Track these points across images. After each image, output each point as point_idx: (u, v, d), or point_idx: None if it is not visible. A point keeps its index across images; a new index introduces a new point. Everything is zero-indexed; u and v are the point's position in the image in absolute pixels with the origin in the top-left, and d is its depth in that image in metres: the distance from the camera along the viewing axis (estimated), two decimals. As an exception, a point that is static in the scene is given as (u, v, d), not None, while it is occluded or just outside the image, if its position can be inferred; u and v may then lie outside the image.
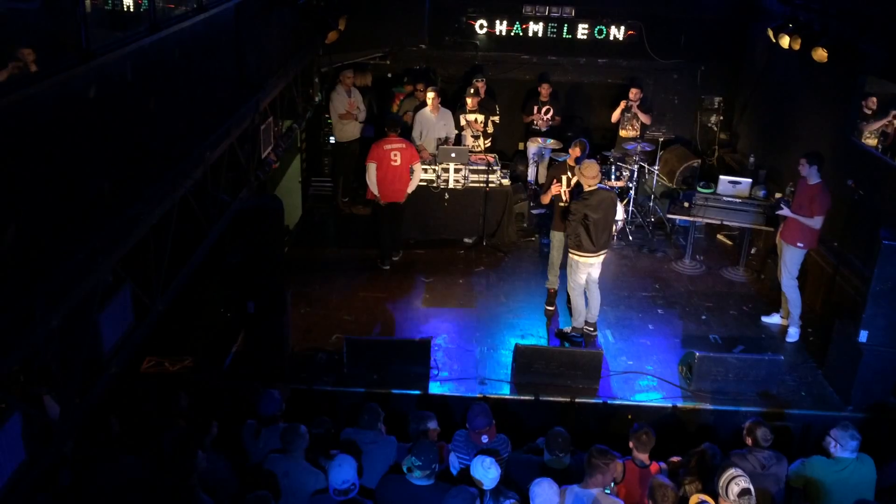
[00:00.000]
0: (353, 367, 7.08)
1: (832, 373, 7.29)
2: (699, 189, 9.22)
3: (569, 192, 7.93)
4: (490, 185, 9.66)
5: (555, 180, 8.11)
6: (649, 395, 7.10)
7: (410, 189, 9.21)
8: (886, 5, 7.54)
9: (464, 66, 11.75)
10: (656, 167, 10.58)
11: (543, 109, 11.17)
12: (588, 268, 7.60)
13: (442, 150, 9.67)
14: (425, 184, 9.62)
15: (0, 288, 3.20)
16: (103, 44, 4.08)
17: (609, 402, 6.95)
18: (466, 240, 9.97)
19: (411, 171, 9.12)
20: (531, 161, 11.32)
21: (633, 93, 10.82)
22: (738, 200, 9.01)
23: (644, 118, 10.73)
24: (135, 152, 4.53)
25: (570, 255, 7.65)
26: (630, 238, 10.21)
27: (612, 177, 10.23)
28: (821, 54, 7.99)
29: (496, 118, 10.91)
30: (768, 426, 5.39)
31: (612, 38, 11.58)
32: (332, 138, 10.89)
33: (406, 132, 9.88)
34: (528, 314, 8.38)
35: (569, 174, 8.00)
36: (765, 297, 8.81)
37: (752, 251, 9.67)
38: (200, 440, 5.04)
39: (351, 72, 10.40)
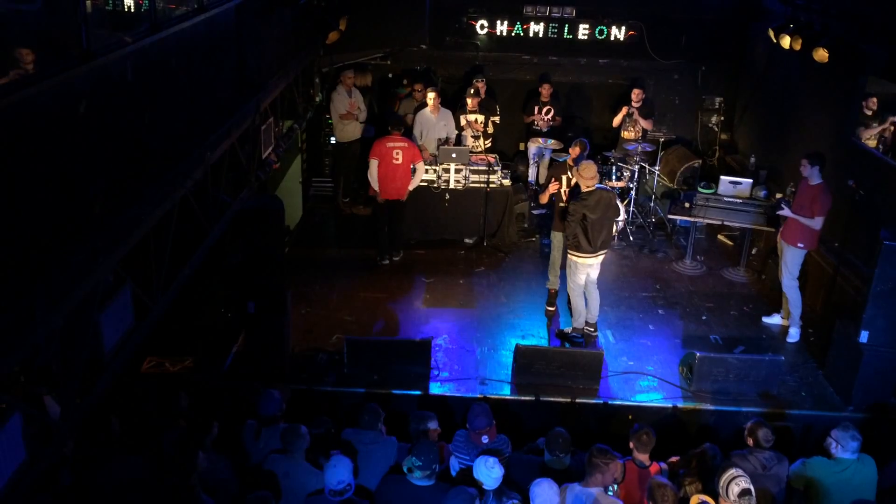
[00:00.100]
0: (354, 368, 7.08)
1: (833, 373, 7.29)
2: (700, 189, 9.22)
3: (567, 192, 7.93)
4: (491, 185, 9.66)
5: (553, 179, 8.12)
6: (650, 395, 7.10)
7: (412, 186, 9.22)
8: (887, 6, 7.54)
9: (464, 66, 11.74)
10: (657, 167, 10.57)
11: (544, 110, 11.17)
12: (587, 268, 7.60)
13: (442, 151, 9.68)
14: (426, 184, 9.63)
15: (0, 288, 3.20)
16: (104, 44, 4.09)
17: (609, 402, 6.95)
18: (467, 240, 9.97)
19: (413, 171, 9.14)
20: (532, 161, 11.32)
21: (636, 93, 10.81)
22: (738, 201, 9.00)
23: (645, 124, 10.70)
24: (135, 152, 4.53)
25: (568, 256, 7.65)
26: (631, 238, 10.21)
27: (613, 177, 10.23)
28: (821, 55, 7.99)
29: (496, 118, 10.91)
30: (770, 427, 5.39)
31: (612, 38, 11.57)
32: (332, 139, 10.89)
33: (407, 133, 9.88)
34: (529, 314, 8.38)
35: (569, 174, 8.01)
36: (765, 298, 8.81)
37: (753, 252, 9.66)
38: (201, 440, 5.04)
39: (352, 72, 10.40)
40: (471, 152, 9.99)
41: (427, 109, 10.12)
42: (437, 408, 6.31)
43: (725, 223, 9.40)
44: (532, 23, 11.50)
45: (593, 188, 7.37)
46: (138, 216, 4.19)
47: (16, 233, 3.38)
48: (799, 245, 7.76)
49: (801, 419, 6.90)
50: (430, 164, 9.69)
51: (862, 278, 7.44)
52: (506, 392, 7.02)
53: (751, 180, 9.13)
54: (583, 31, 11.52)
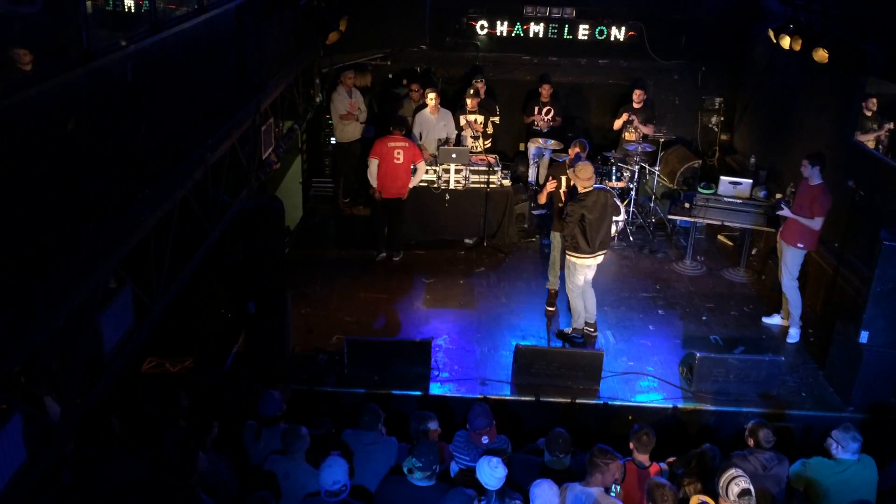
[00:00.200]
0: (354, 368, 7.08)
1: (833, 374, 7.29)
2: (700, 190, 9.22)
3: (566, 192, 7.92)
4: (491, 185, 9.66)
5: (550, 177, 8.12)
6: (650, 395, 7.10)
7: (413, 184, 9.25)
8: (887, 6, 7.54)
9: (464, 66, 11.75)
10: (657, 168, 10.58)
11: (544, 110, 11.17)
12: (586, 269, 7.59)
13: (442, 151, 9.68)
14: (426, 184, 9.64)
15: (1, 288, 3.20)
16: (104, 45, 4.09)
17: (610, 402, 6.95)
18: (467, 240, 9.97)
19: (414, 170, 9.16)
20: (532, 162, 11.33)
21: (637, 94, 10.81)
22: (738, 201, 9.00)
23: (646, 130, 10.69)
24: (136, 153, 4.53)
25: (567, 257, 7.63)
26: (631, 239, 10.21)
27: (613, 177, 10.23)
28: (821, 55, 7.99)
29: (496, 119, 10.92)
30: (771, 428, 5.39)
31: (612, 38, 11.57)
32: (332, 139, 10.90)
33: (407, 133, 9.88)
34: (529, 315, 8.38)
35: (569, 174, 8.00)
36: (765, 298, 8.81)
37: (753, 252, 9.66)
38: (201, 441, 5.05)
39: (352, 72, 10.41)
40: (470, 153, 9.99)
41: (427, 110, 10.13)
42: (438, 408, 6.31)
43: (725, 223, 9.40)
44: (532, 23, 11.50)
45: (591, 188, 7.37)
46: (139, 216, 4.19)
47: (16, 233, 3.38)
48: (799, 245, 7.76)
49: (801, 419, 6.90)
50: (430, 165, 9.69)
51: (862, 279, 7.44)
52: (506, 392, 7.02)
53: (751, 181, 9.13)
54: (583, 31, 11.52)
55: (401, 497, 4.77)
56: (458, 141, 10.38)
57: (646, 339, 8.02)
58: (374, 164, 9.05)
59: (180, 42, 5.09)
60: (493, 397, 6.86)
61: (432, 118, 10.12)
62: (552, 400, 6.92)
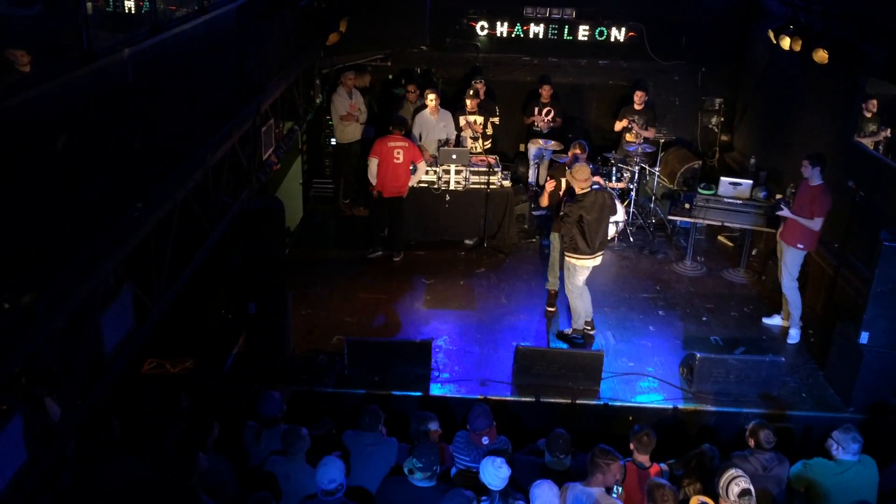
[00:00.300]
0: (354, 369, 7.08)
1: (833, 374, 7.29)
2: (700, 190, 9.22)
3: (565, 193, 7.91)
4: (491, 186, 9.66)
5: (549, 178, 8.12)
6: (650, 396, 7.10)
7: (413, 182, 9.27)
8: (887, 6, 7.54)
9: (465, 67, 11.76)
10: (657, 168, 10.58)
11: (544, 111, 11.18)
12: (585, 270, 7.59)
13: (443, 152, 9.69)
14: (426, 185, 9.65)
15: (1, 289, 3.20)
16: (104, 46, 4.09)
17: (610, 403, 6.95)
18: (467, 241, 9.97)
19: (414, 169, 9.18)
20: (532, 163, 11.33)
21: (638, 96, 10.82)
22: (738, 202, 9.01)
23: (648, 134, 10.69)
24: (136, 154, 4.53)
25: (566, 258, 7.63)
26: (631, 239, 10.21)
27: (614, 178, 10.24)
28: (821, 56, 7.99)
29: (496, 119, 10.92)
30: (771, 428, 5.39)
31: (612, 39, 11.57)
32: (333, 140, 10.90)
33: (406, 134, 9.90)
34: (529, 315, 8.38)
35: (566, 175, 8.00)
36: (766, 299, 8.81)
37: (753, 252, 9.66)
38: (201, 441, 5.05)
39: (352, 73, 10.42)
40: (470, 153, 10.00)
41: (427, 111, 10.14)
42: (438, 409, 6.31)
43: (725, 224, 9.40)
44: (532, 24, 11.50)
45: (588, 189, 7.38)
46: (139, 217, 4.19)
47: (17, 234, 3.38)
48: (798, 246, 7.76)
49: (802, 420, 6.90)
50: (430, 166, 9.70)
51: (862, 279, 7.44)
52: (506, 393, 7.02)
53: (751, 181, 9.13)
54: (583, 32, 11.52)
55: (401, 498, 4.77)
56: (458, 142, 10.38)
57: (646, 339, 8.02)
58: (373, 163, 9.08)
59: (181, 43, 5.09)
60: (493, 398, 6.86)
61: (432, 119, 10.13)
62: (552, 401, 6.92)
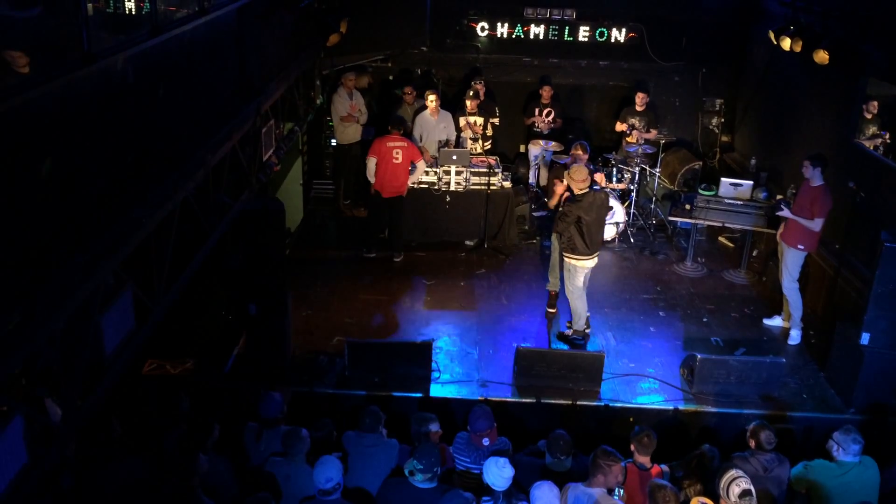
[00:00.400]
0: (355, 370, 7.07)
1: (834, 375, 7.29)
2: (700, 191, 9.21)
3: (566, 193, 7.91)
4: (491, 187, 9.66)
5: (556, 181, 8.12)
6: (651, 397, 7.09)
7: (412, 181, 9.29)
8: (887, 7, 7.54)
9: (465, 68, 11.77)
10: (658, 169, 10.58)
11: (545, 112, 11.17)
12: (585, 271, 7.60)
13: (443, 153, 9.69)
14: (426, 186, 9.65)
15: (2, 290, 3.20)
16: (105, 47, 4.09)
17: (610, 404, 6.94)
18: (468, 242, 9.97)
19: (413, 169, 9.19)
20: (532, 163, 11.33)
21: (640, 97, 10.81)
22: (739, 202, 9.00)
23: (649, 136, 10.68)
24: (137, 155, 4.53)
25: (565, 259, 7.63)
26: (632, 240, 10.20)
27: (614, 179, 10.23)
28: (822, 56, 7.99)
29: (496, 120, 10.92)
30: (772, 429, 5.39)
31: (613, 40, 11.57)
32: (333, 141, 10.90)
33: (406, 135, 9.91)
34: (530, 316, 8.37)
35: (564, 176, 8.00)
36: (766, 300, 8.81)
37: (754, 253, 9.66)
38: (202, 442, 5.04)
39: (353, 74, 10.42)
40: (470, 154, 10.00)
41: (427, 112, 10.13)
42: (438, 410, 6.29)
43: (726, 225, 9.39)
44: (532, 25, 11.50)
45: (587, 190, 7.39)
46: (139, 218, 4.19)
47: (17, 235, 3.38)
48: (799, 247, 7.76)
49: (803, 421, 6.89)
50: (430, 167, 9.71)
51: (863, 280, 7.44)
52: (507, 394, 7.02)
53: (751, 182, 9.13)
54: (583, 33, 11.52)
55: (402, 499, 4.77)
56: (459, 143, 10.38)
57: (647, 340, 8.02)
58: (371, 162, 9.11)
59: (181, 44, 5.09)
60: (493, 399, 6.85)
61: (432, 120, 10.12)
62: (553, 402, 6.92)
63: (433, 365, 7.21)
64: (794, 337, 7.98)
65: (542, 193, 10.99)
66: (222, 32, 6.04)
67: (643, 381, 7.30)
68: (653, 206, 10.73)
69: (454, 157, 9.63)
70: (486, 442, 5.28)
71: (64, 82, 3.67)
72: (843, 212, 7.96)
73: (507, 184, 9.86)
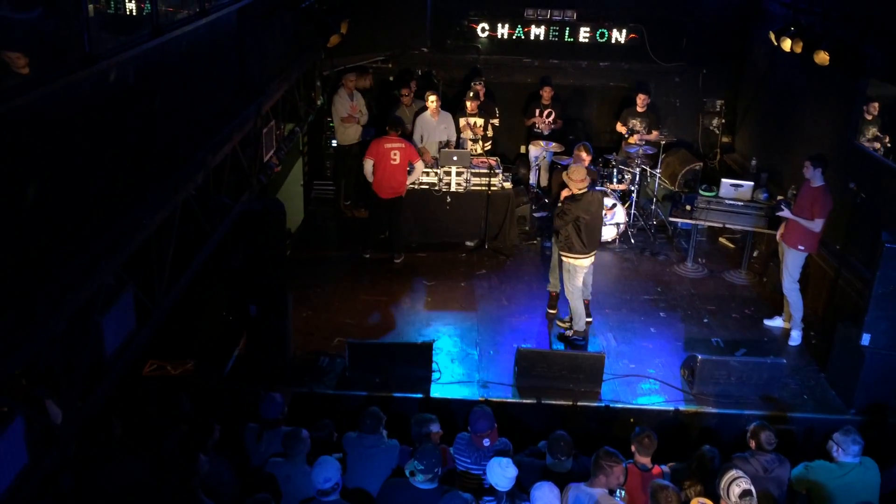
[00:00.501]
0: (355, 371, 7.08)
1: (835, 376, 7.28)
2: (701, 192, 9.21)
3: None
4: (492, 188, 9.66)
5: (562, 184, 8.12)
6: (651, 398, 7.09)
7: (410, 181, 9.29)
8: (888, 8, 7.54)
9: (465, 69, 11.78)
10: (658, 170, 10.58)
11: (545, 113, 11.18)
12: (583, 270, 7.61)
13: (444, 154, 9.69)
14: (427, 187, 9.65)
15: (2, 290, 3.20)
16: (106, 48, 4.09)
17: (611, 405, 6.94)
18: (468, 243, 9.97)
19: (411, 169, 9.19)
20: (533, 164, 11.33)
21: (641, 98, 10.81)
22: (740, 203, 9.00)
23: (650, 137, 10.67)
24: (137, 156, 4.53)
25: (563, 260, 7.64)
26: (632, 241, 10.20)
27: (615, 180, 10.23)
28: (822, 57, 7.99)
29: (495, 121, 10.92)
30: (772, 430, 5.39)
31: (613, 41, 11.59)
32: (334, 141, 10.90)
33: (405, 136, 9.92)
34: (530, 317, 8.38)
35: (562, 176, 8.00)
36: (767, 301, 8.80)
37: (755, 254, 9.66)
38: (202, 443, 5.05)
39: (353, 75, 10.42)
40: (471, 155, 10.00)
41: (427, 113, 10.14)
42: (439, 411, 6.29)
43: (727, 226, 9.39)
44: (533, 26, 11.52)
45: (585, 189, 7.40)
46: (140, 219, 4.19)
47: (18, 235, 3.38)
48: (800, 248, 7.76)
49: (803, 422, 6.89)
50: (431, 168, 9.71)
51: (864, 281, 7.44)
52: (507, 395, 7.02)
53: (752, 183, 9.12)
54: (584, 34, 11.53)
55: (402, 499, 4.78)
56: (459, 143, 10.38)
57: (647, 341, 8.02)
58: (368, 164, 9.13)
59: (182, 45, 5.09)
60: (494, 400, 6.86)
61: (433, 121, 10.13)
62: (554, 402, 6.92)
63: (434, 366, 7.21)
64: (795, 338, 7.98)
65: (542, 194, 10.99)
66: (223, 33, 6.04)
67: (644, 382, 7.30)
68: (653, 206, 10.72)
69: (455, 158, 9.63)
70: (486, 443, 5.28)
71: (64, 83, 3.67)
72: (843, 213, 7.96)
73: (508, 184, 9.86)
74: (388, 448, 5.33)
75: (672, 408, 6.96)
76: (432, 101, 10.01)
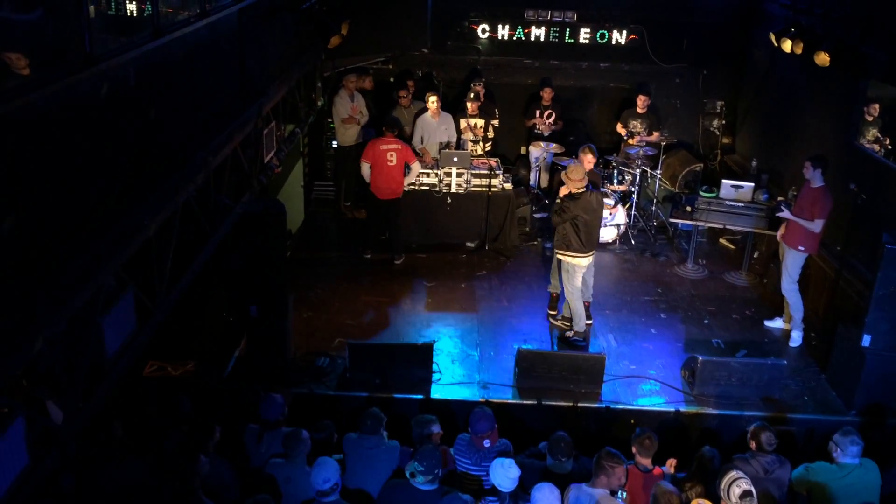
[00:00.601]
0: (356, 372, 7.08)
1: (835, 377, 7.28)
2: (701, 193, 9.21)
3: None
4: (492, 189, 9.66)
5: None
6: (652, 399, 7.09)
7: (408, 182, 9.29)
8: (888, 9, 7.54)
9: (466, 70, 11.78)
10: (659, 171, 10.58)
11: (546, 114, 11.18)
12: (581, 270, 7.63)
13: (444, 155, 9.70)
14: (427, 188, 9.65)
15: (3, 291, 3.20)
16: (107, 49, 4.10)
17: (612, 406, 6.94)
18: (469, 244, 9.97)
19: (407, 170, 9.19)
20: (533, 165, 11.33)
21: (641, 100, 10.81)
22: (740, 204, 9.00)
23: (651, 139, 10.67)
24: (138, 157, 4.54)
25: (562, 260, 7.64)
26: (633, 242, 10.20)
27: (615, 181, 10.23)
28: (823, 58, 8.00)
29: (495, 122, 10.92)
30: (773, 431, 5.39)
31: (614, 42, 11.59)
32: (334, 142, 10.91)
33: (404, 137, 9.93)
34: (531, 318, 8.37)
35: (561, 176, 8.01)
36: (767, 302, 8.80)
37: (755, 255, 9.66)
38: (203, 444, 5.04)
39: (354, 76, 10.43)
40: (471, 156, 10.00)
41: (428, 114, 10.14)
42: (439, 412, 6.29)
43: (727, 227, 9.39)
44: (533, 27, 11.53)
45: (584, 189, 7.41)
46: (141, 220, 4.19)
47: (18, 236, 3.38)
48: (800, 248, 7.76)
49: (804, 423, 6.89)
50: (431, 169, 9.71)
51: (864, 282, 7.44)
52: (508, 396, 7.02)
53: (752, 184, 9.13)
54: (584, 35, 11.53)
55: (403, 501, 4.78)
56: (460, 144, 10.39)
57: (648, 342, 8.02)
58: (366, 166, 9.16)
59: (182, 46, 5.10)
60: (494, 401, 6.85)
61: (433, 122, 10.13)
62: (554, 403, 6.92)
63: (434, 367, 7.21)
64: (796, 338, 7.98)
65: (542, 195, 10.99)
66: (224, 34, 6.04)
67: (644, 383, 7.30)
68: (654, 207, 10.72)
69: (455, 159, 9.63)
70: (487, 444, 5.28)
71: (65, 84, 3.67)
72: (844, 214, 7.96)
73: (508, 185, 9.87)
74: (388, 449, 5.33)
75: (672, 409, 6.96)
76: (433, 102, 10.01)
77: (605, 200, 9.06)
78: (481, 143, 10.61)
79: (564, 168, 8.43)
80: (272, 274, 6.70)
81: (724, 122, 12.02)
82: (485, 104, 10.80)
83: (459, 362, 7.50)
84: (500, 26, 11.57)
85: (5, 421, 3.23)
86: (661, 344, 8.00)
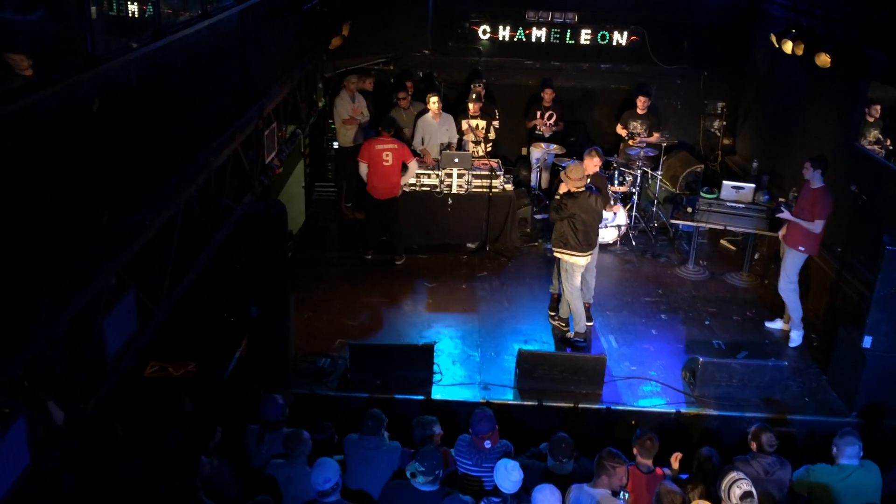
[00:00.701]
0: (356, 372, 7.08)
1: (836, 378, 7.28)
2: (702, 194, 9.21)
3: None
4: (493, 190, 9.67)
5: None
6: (653, 400, 7.09)
7: (405, 181, 9.30)
8: (889, 10, 7.54)
9: (467, 71, 11.77)
10: (659, 172, 10.57)
11: (546, 115, 11.18)
12: (580, 269, 7.64)
13: (445, 156, 9.70)
14: (428, 189, 9.66)
15: (4, 292, 3.21)
16: (109, 50, 4.10)
17: (612, 407, 6.94)
18: (470, 245, 9.97)
19: (404, 169, 9.19)
20: (534, 166, 11.33)
21: (641, 101, 10.81)
22: (741, 205, 9.00)
23: (652, 140, 10.67)
24: (139, 158, 4.54)
25: (561, 259, 7.64)
26: (633, 243, 10.20)
27: (616, 182, 10.23)
28: (824, 59, 8.00)
29: (496, 123, 10.92)
30: (773, 432, 5.39)
31: (615, 43, 11.59)
32: (335, 143, 10.91)
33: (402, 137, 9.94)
34: (532, 319, 8.37)
35: (560, 175, 8.02)
36: (768, 303, 8.79)
37: (756, 256, 9.65)
38: (204, 445, 5.05)
39: (355, 77, 10.43)
40: (472, 157, 10.00)
41: (429, 115, 10.14)
42: (440, 413, 6.29)
43: (728, 228, 9.39)
44: (534, 28, 11.52)
45: (583, 189, 7.42)
46: (142, 221, 4.20)
47: (20, 237, 3.39)
48: (800, 249, 7.76)
49: (805, 424, 6.88)
50: (432, 170, 9.71)
51: (865, 283, 7.44)
52: (509, 397, 7.02)
53: (753, 185, 9.12)
54: (585, 36, 11.53)
55: (404, 501, 4.78)
56: (461, 145, 10.39)
57: (648, 343, 8.02)
58: (363, 167, 9.16)
59: (184, 47, 5.10)
60: (495, 402, 6.85)
61: (434, 123, 10.13)
62: (555, 404, 6.92)
63: (435, 367, 7.21)
64: (795, 338, 7.97)
65: (543, 196, 10.99)
66: (225, 35, 6.05)
67: (645, 384, 7.30)
68: (654, 208, 10.72)
69: (456, 160, 9.64)
70: (487, 444, 5.28)
71: (67, 85, 3.68)
72: (844, 215, 7.96)
73: (509, 186, 9.87)
74: (389, 450, 5.33)
75: (673, 410, 6.96)
76: (434, 102, 10.01)
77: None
78: (482, 144, 10.60)
79: (565, 169, 8.46)
80: (273, 275, 6.70)
81: (724, 123, 12.01)
82: (485, 105, 10.80)
83: (460, 363, 7.50)
84: (500, 27, 11.57)
85: (7, 421, 3.24)
86: (662, 345, 8.00)
